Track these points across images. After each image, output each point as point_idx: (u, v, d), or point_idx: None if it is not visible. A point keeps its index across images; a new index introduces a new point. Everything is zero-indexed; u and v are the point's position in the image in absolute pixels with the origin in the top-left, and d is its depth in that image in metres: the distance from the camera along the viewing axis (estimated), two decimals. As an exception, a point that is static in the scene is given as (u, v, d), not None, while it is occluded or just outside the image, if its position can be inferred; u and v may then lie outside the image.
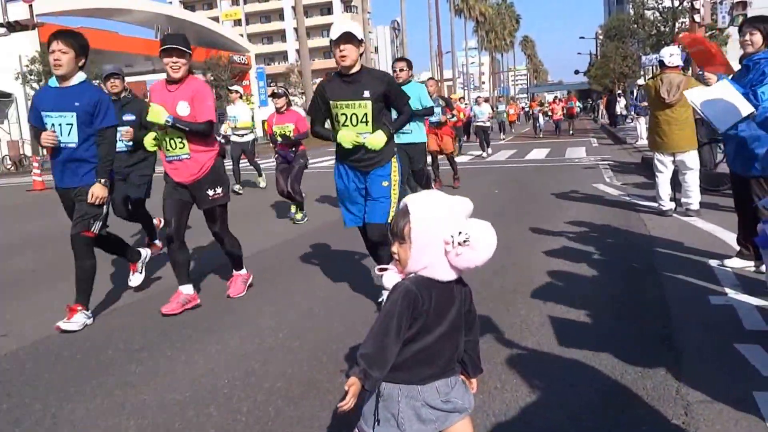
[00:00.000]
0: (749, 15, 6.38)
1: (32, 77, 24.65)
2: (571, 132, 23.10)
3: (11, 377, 3.03)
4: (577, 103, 34.07)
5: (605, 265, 4.45)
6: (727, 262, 4.17)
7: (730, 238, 4.62)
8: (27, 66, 24.70)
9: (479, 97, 17.22)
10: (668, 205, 6.14)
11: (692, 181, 6.01)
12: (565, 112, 23.97)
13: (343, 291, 4.17)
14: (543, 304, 3.64)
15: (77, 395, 2.77)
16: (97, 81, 27.56)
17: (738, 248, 4.20)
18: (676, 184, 6.20)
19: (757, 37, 3.75)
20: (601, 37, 41.58)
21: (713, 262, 4.25)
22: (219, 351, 3.21)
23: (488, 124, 15.90)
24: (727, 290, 3.66)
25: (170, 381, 2.87)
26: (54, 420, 2.55)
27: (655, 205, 6.37)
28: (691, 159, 5.99)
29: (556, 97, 26.96)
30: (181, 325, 3.67)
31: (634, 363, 2.74)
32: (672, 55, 5.88)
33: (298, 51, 40.93)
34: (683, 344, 2.94)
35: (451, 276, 1.60)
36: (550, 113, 24.94)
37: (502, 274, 4.35)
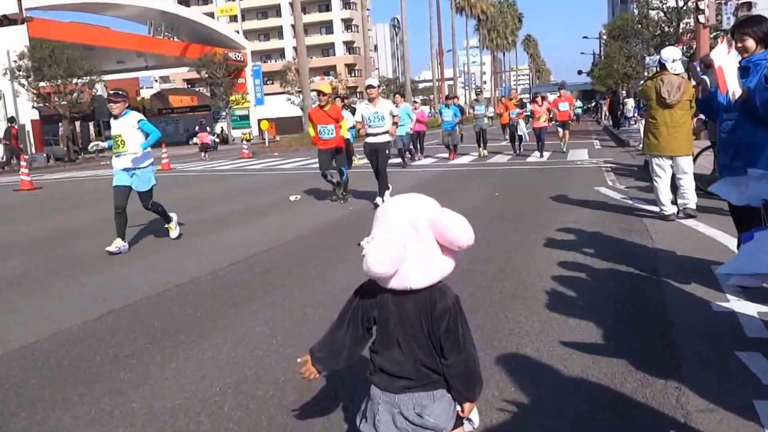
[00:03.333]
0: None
1: (21, 73, 24.14)
2: (564, 148, 15.31)
3: (-3, 383, 2.98)
4: (576, 104, 28.37)
5: (606, 270, 4.40)
6: None
7: (733, 243, 4.56)
8: (15, 62, 24.12)
9: (370, 86, 8.44)
10: (671, 209, 6.11)
11: (688, 184, 6.08)
12: (553, 116, 15.43)
13: (339, 296, 4.09)
14: (543, 310, 3.58)
15: (64, 403, 2.71)
16: (88, 78, 26.95)
17: None
18: (673, 186, 6.21)
19: (750, 42, 3.73)
20: (604, 36, 41.43)
21: (715, 268, 4.19)
22: (211, 357, 3.15)
23: (389, 140, 8.32)
24: (729, 297, 3.60)
25: (160, 388, 2.81)
26: (40, 428, 2.50)
27: (657, 209, 6.32)
28: (687, 163, 6.06)
29: (537, 94, 16.73)
30: (171, 330, 3.61)
31: (634, 370, 2.70)
32: (674, 60, 5.87)
33: (295, 48, 40.79)
34: (684, 351, 2.90)
35: (398, 283, 1.56)
36: (531, 117, 15.36)
37: (501, 279, 4.30)
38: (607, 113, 30.27)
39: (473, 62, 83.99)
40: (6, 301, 4.54)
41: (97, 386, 2.86)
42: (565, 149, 15.44)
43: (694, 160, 7.88)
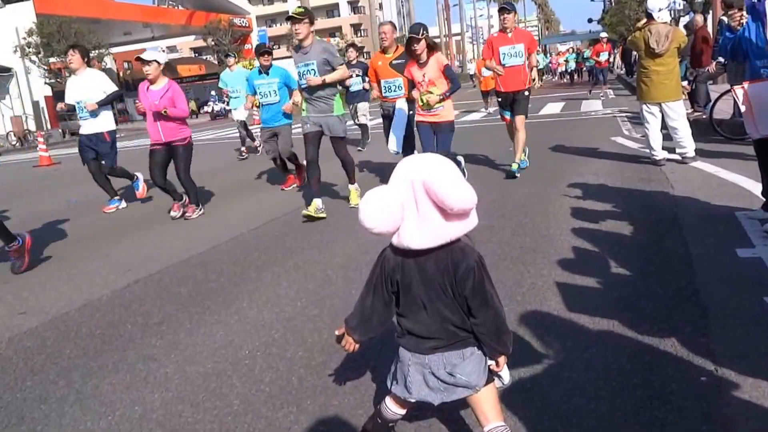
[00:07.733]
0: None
1: (31, 50, 24.15)
2: (514, 166, 6.30)
3: (33, 354, 3.05)
4: (581, 55, 25.23)
5: (627, 220, 4.34)
6: (753, 214, 4.04)
7: (757, 187, 4.47)
8: (25, 38, 24.12)
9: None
10: (661, 154, 6.30)
11: (682, 128, 6.14)
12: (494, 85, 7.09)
13: (361, 258, 4.11)
14: (564, 264, 3.56)
15: (100, 370, 2.78)
16: (97, 51, 26.80)
17: (764, 199, 4.06)
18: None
19: None
20: (615, -19, 39.94)
21: (740, 214, 4.13)
22: (238, 322, 3.20)
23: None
24: (755, 242, 3.55)
25: (191, 353, 2.87)
26: (79, 396, 2.56)
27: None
28: (677, 108, 6.12)
29: (417, 36, 5.24)
30: (197, 297, 3.67)
31: (660, 320, 2.68)
32: (661, 10, 5.96)
33: (300, 11, 39.73)
34: (710, 299, 2.87)
35: (397, 242, 1.58)
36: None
37: (521, 234, 4.28)
38: (620, 61, 29.46)
39: (480, 16, 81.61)
40: (35, 272, 4.63)
41: (130, 353, 2.93)
42: (516, 168, 6.32)
43: (713, 104, 7.71)
